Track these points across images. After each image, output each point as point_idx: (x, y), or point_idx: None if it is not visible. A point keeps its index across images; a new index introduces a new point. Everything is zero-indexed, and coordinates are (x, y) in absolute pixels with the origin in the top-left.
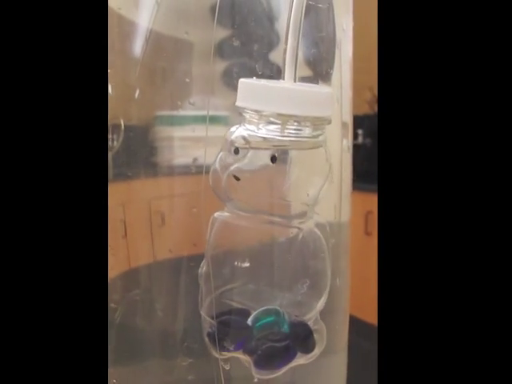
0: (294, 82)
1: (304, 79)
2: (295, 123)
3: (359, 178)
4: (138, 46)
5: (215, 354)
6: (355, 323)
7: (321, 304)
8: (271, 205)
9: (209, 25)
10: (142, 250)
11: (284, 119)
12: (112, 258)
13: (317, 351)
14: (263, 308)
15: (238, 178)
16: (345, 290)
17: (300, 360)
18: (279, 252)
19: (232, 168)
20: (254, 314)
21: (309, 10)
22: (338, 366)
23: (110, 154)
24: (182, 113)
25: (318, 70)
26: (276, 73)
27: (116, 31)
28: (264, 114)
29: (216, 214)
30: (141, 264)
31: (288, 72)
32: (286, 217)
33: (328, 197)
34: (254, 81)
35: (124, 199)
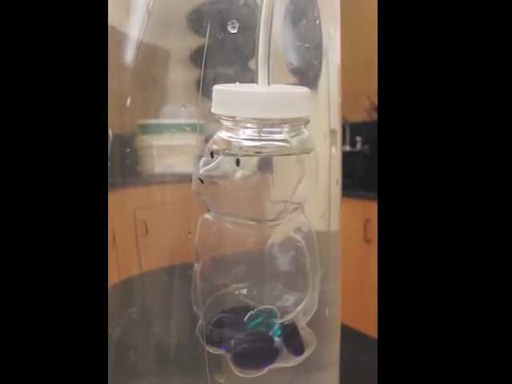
0: (268, 85)
1: None
2: (272, 127)
3: (358, 186)
4: (128, 55)
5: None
6: (354, 336)
7: (307, 305)
8: (240, 208)
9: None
10: (129, 259)
11: (259, 123)
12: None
13: (306, 354)
14: (260, 307)
15: (202, 181)
16: (336, 300)
17: (290, 362)
18: (257, 253)
19: (200, 171)
20: (249, 313)
21: (296, 19)
22: (330, 381)
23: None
24: (167, 121)
25: (305, 78)
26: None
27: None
28: (238, 119)
29: (204, 216)
30: (129, 274)
31: (261, 75)
32: (256, 220)
33: (315, 205)
34: (227, 87)
35: (112, 209)
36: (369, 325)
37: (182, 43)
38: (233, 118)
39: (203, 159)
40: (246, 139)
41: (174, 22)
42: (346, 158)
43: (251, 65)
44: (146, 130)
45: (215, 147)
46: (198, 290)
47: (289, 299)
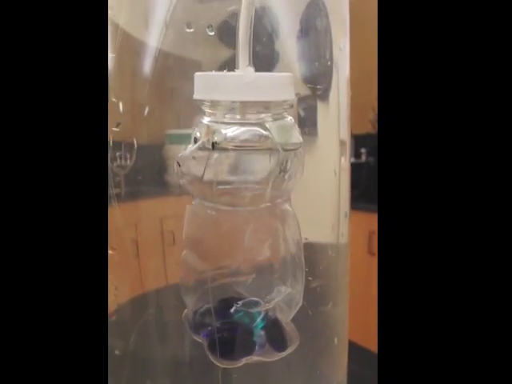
0: None
1: (302, 98)
2: (250, 110)
3: (362, 198)
4: (147, 65)
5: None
6: (356, 351)
7: (291, 298)
8: (212, 193)
9: (214, 45)
10: (155, 269)
11: (236, 106)
12: (124, 279)
13: (289, 350)
14: (247, 299)
15: (179, 165)
16: (343, 318)
17: (271, 357)
18: (237, 241)
19: (178, 155)
20: (237, 304)
21: (308, 31)
22: None
23: (122, 173)
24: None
25: (316, 89)
26: None
27: (127, 51)
28: (220, 104)
29: (191, 203)
30: (153, 284)
31: (241, 60)
32: (230, 205)
33: (325, 217)
34: (207, 72)
35: (136, 218)
36: (372, 339)
37: (203, 54)
38: (211, 102)
39: (189, 146)
40: (223, 123)
41: (192, 33)
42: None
43: None
44: (173, 139)
45: (197, 134)
46: (184, 277)
47: (275, 290)
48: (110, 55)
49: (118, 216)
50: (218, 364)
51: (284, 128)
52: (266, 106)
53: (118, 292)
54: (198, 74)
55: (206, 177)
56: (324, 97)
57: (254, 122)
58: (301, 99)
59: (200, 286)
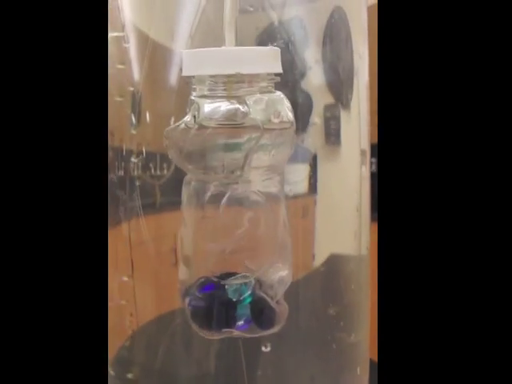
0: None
1: (327, 107)
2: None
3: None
4: (174, 75)
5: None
6: None
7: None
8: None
9: None
10: None
11: (229, 81)
12: (148, 299)
13: (275, 329)
14: (237, 275)
15: (166, 138)
16: (365, 346)
17: (256, 333)
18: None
19: (168, 128)
20: (227, 279)
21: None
22: None
23: (156, 184)
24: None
25: (339, 97)
26: (306, 99)
27: (153, 61)
28: (203, 79)
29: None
30: None
31: (228, 37)
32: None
33: (348, 227)
34: (192, 50)
35: (175, 228)
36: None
37: None
38: (196, 78)
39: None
40: (206, 96)
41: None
42: None
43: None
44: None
45: (187, 109)
46: (179, 251)
47: (271, 269)
48: (137, 64)
49: (145, 229)
50: (199, 333)
51: (267, 103)
52: (248, 80)
53: (133, 318)
54: (184, 51)
55: (185, 152)
56: (346, 105)
57: (235, 95)
58: (325, 108)
59: (193, 261)
